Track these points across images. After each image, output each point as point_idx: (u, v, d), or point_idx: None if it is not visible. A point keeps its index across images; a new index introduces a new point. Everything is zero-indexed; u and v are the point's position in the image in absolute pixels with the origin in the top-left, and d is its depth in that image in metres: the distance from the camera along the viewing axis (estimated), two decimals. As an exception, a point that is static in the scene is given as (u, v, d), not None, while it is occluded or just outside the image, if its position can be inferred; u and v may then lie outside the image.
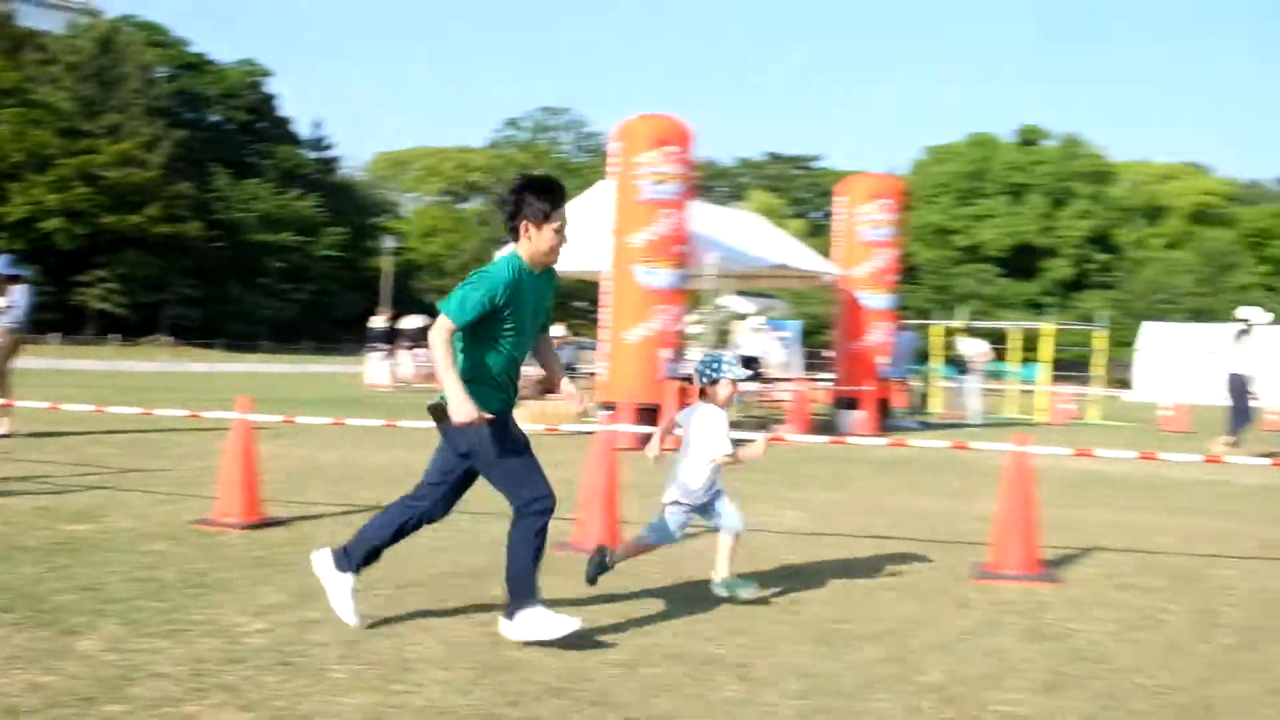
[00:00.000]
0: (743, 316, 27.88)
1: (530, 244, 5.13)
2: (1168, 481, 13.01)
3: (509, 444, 5.13)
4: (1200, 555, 8.15)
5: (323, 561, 5.34)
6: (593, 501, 7.51)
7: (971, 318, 30.31)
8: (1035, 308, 60.13)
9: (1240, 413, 15.59)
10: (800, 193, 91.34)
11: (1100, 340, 29.83)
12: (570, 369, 19.71)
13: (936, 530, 8.90)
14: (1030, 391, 28.32)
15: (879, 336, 19.74)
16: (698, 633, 5.46)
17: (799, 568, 7.20)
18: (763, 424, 18.10)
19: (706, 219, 18.02)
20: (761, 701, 4.46)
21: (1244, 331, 15.50)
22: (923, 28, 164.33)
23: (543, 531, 5.13)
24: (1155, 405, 26.44)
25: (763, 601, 6.14)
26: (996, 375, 28.75)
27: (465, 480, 5.31)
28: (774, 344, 26.68)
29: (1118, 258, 72.63)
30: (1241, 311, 15.76)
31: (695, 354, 14.65)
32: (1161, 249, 73.64)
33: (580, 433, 11.05)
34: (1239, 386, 15.63)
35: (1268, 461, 8.24)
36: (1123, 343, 53.23)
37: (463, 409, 4.91)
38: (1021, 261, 71.49)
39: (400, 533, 5.33)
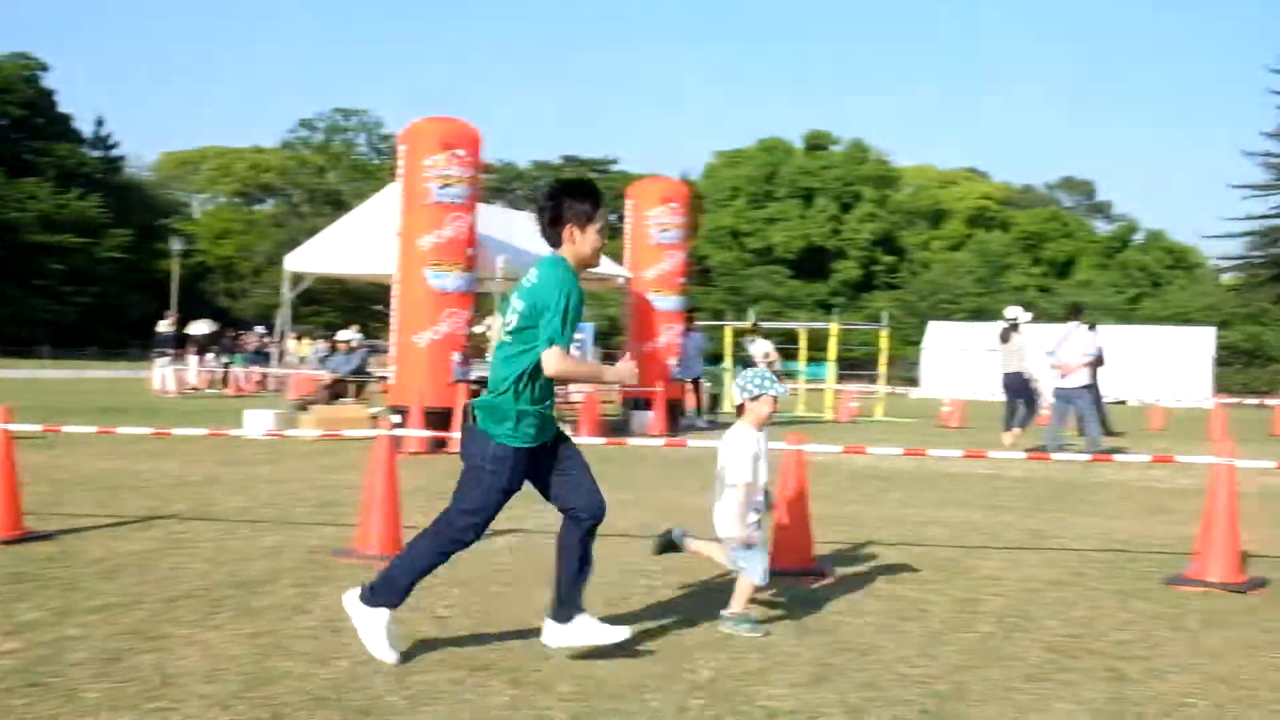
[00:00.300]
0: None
1: (575, 246, 5.08)
2: (943, 476, 13.49)
3: (504, 478, 4.99)
4: (968, 547, 8.48)
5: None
6: (372, 507, 7.40)
7: (760, 318, 30.81)
8: (826, 308, 61.66)
9: (1027, 407, 16.28)
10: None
11: (884, 339, 30.76)
12: (362, 374, 19.43)
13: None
14: (818, 390, 29.02)
15: (669, 338, 19.98)
16: (476, 639, 5.45)
17: (581, 570, 7.22)
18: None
19: (496, 222, 17.99)
20: (533, 705, 4.47)
21: (1010, 329, 16.20)
22: (718, 31, 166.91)
23: (449, 554, 5.12)
24: (939, 402, 27.40)
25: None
26: (787, 374, 29.33)
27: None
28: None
29: (903, 259, 75.20)
30: (1008, 311, 16.48)
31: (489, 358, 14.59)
32: (943, 251, 76.54)
33: (369, 437, 10.89)
34: (1015, 384, 16.32)
35: (1023, 455, 8.61)
36: (910, 341, 55.18)
37: (628, 372, 5.17)
38: (812, 263, 73.35)
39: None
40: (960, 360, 43.23)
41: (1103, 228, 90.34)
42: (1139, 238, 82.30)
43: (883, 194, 76.52)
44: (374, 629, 4.99)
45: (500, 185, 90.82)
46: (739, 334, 28.23)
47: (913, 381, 48.59)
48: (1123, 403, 35.45)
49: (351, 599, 5.09)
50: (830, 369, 28.79)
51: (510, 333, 5.05)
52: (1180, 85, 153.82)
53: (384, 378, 17.35)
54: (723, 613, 5.83)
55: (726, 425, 19.35)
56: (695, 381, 21.91)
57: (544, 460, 5.14)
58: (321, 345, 21.77)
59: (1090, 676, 5.09)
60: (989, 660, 5.32)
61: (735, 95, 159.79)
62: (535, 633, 5.42)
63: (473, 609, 6.07)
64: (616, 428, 18.50)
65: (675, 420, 19.63)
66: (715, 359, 29.04)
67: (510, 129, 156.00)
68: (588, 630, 5.11)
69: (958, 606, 6.44)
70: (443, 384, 15.00)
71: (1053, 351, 15.43)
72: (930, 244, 78.94)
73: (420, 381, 15.01)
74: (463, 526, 5.04)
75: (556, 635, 5.13)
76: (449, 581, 6.64)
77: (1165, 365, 44.94)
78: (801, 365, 30.96)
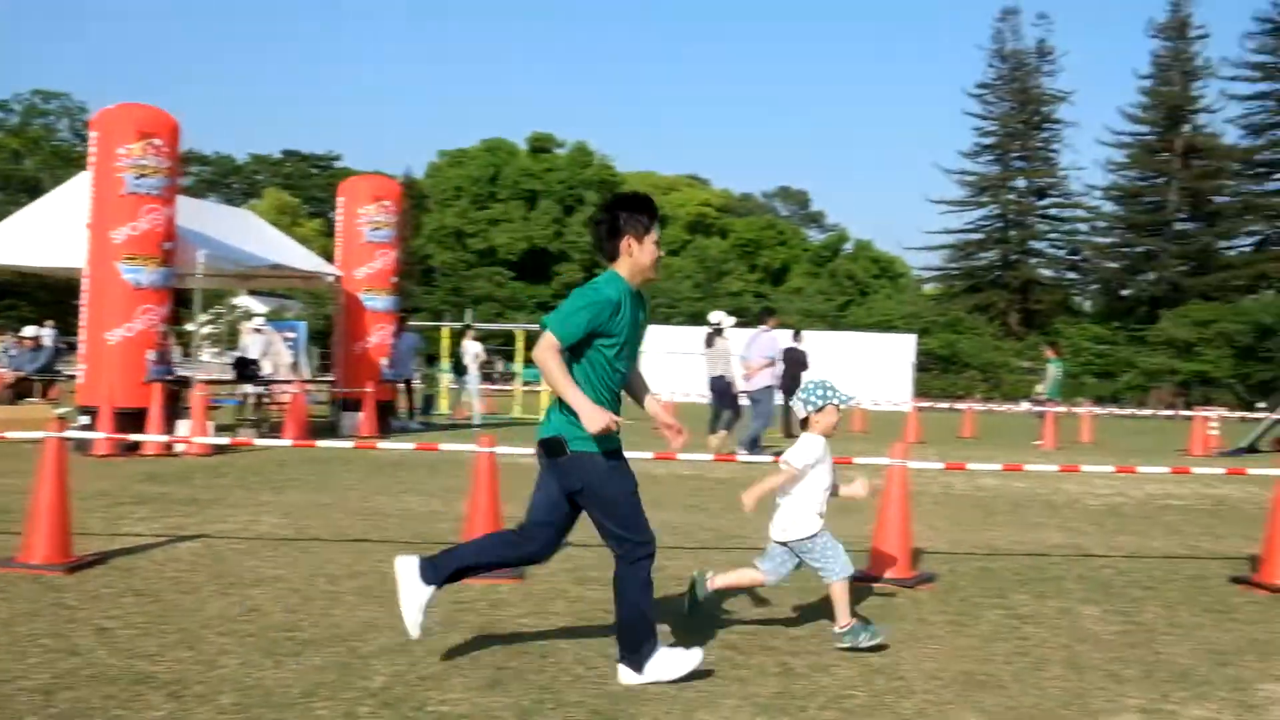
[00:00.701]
0: (251, 316, 27.09)
1: (632, 259, 5.05)
2: (645, 477, 13.64)
3: (622, 481, 4.97)
4: (661, 548, 8.57)
5: (407, 567, 5.03)
6: (40, 515, 6.98)
7: (482, 319, 30.72)
8: (549, 310, 61.91)
9: (731, 410, 16.68)
10: (319, 192, 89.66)
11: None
12: (49, 372, 18.40)
13: (415, 532, 8.94)
14: (535, 392, 29.10)
15: (380, 338, 19.67)
16: (138, 650, 5.19)
17: (267, 576, 7.01)
18: (257, 426, 17.61)
19: (198, 215, 17.32)
20: (191, 718, 4.29)
21: (715, 334, 16.58)
22: (441, 30, 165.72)
23: (650, 574, 5.04)
24: (654, 404, 27.81)
25: (250, 614, 5.92)
26: (506, 376, 29.35)
27: (572, 518, 5.11)
28: (281, 345, 26.07)
29: (624, 264, 76.19)
30: (712, 316, 16.85)
31: (206, 355, 14.02)
32: (664, 256, 77.91)
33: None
34: (720, 387, 16.70)
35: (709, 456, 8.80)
36: (630, 344, 55.86)
37: (595, 418, 4.75)
38: (535, 265, 73.57)
39: (496, 566, 5.21)
40: (678, 364, 44.11)
41: (815, 237, 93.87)
42: (849, 247, 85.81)
43: (606, 198, 77.39)
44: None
45: (216, 178, 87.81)
46: (457, 335, 28.06)
47: (632, 384, 49.24)
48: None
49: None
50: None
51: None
52: (888, 103, 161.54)
53: (72, 376, 16.48)
54: (835, 630, 5.65)
55: (441, 428, 19.06)
56: (408, 383, 21.65)
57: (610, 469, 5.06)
58: (9, 341, 20.57)
59: (761, 672, 5.22)
60: (667, 659, 5.39)
61: (460, 95, 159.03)
62: (207, 643, 5.20)
63: (139, 619, 5.79)
64: (325, 429, 18.08)
65: (386, 422, 19.33)
66: (432, 360, 28.78)
67: (227, 121, 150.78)
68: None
69: (643, 606, 6.51)
70: (136, 383, 14.34)
71: (744, 355, 16.10)
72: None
73: (111, 380, 14.31)
74: (644, 554, 5.02)
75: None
76: (121, 590, 6.34)
77: (870, 370, 46.99)
78: (519, 367, 31.01)
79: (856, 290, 73.44)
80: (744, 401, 16.72)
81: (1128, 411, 42.75)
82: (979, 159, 76.15)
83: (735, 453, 14.55)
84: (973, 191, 75.47)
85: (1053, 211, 76.31)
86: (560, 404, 4.91)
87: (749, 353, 16.06)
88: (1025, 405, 32.66)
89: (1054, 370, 24.08)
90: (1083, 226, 75.25)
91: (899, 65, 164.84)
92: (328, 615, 6.03)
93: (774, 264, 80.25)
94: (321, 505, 10.24)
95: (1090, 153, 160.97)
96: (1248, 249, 69.99)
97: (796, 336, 23.71)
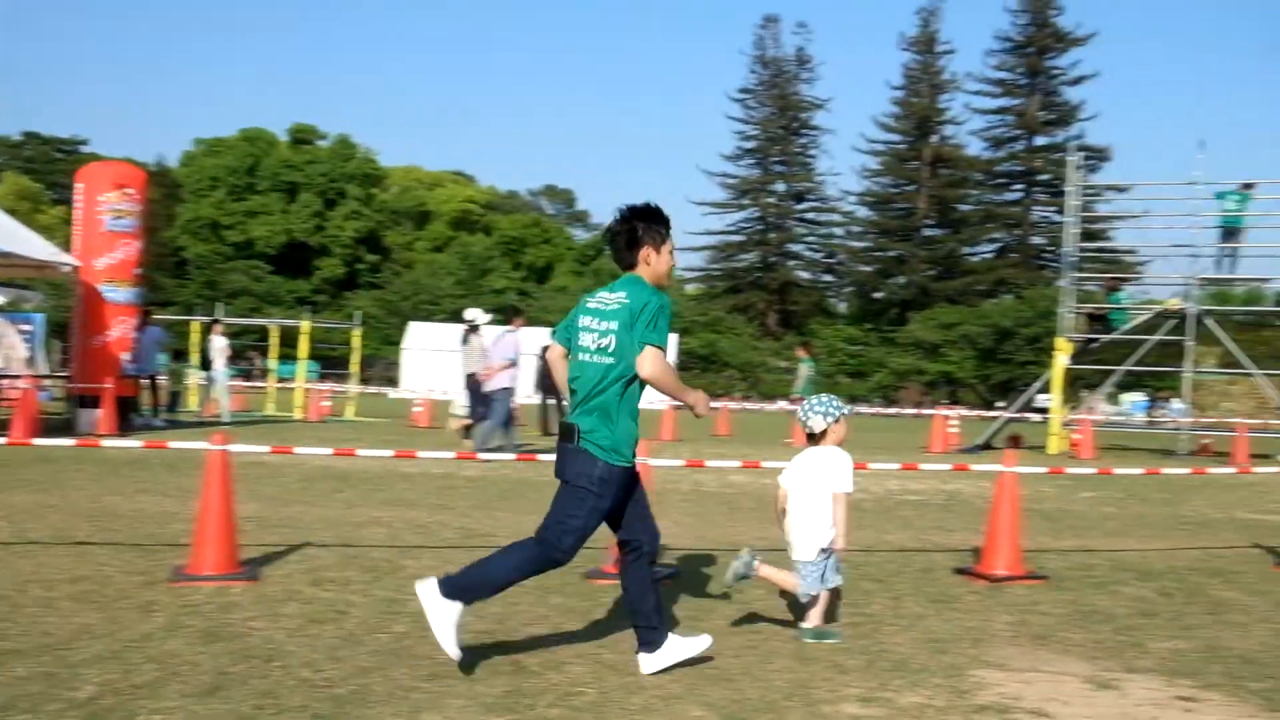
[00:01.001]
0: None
1: (651, 268, 5.22)
2: (399, 476, 13.47)
3: (602, 500, 5.06)
4: (404, 547, 8.47)
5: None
6: None
7: (237, 314, 29.82)
8: (308, 305, 60.59)
9: (485, 407, 16.53)
10: (64, 179, 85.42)
11: (356, 338, 30.57)
12: None
13: (144, 533, 8.58)
14: (289, 389, 28.41)
15: (122, 331, 18.82)
16: None
17: (-26, 582, 6.61)
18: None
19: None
20: None
21: (470, 331, 16.46)
22: (193, 18, 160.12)
23: (542, 570, 5.19)
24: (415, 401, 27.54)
25: None
26: (263, 372, 28.56)
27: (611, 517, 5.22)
28: (14, 338, 24.78)
29: (386, 259, 75.21)
30: (467, 313, 16.73)
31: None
32: (427, 252, 77.27)
33: None
34: (475, 385, 16.56)
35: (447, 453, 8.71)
36: (391, 341, 55.27)
37: (703, 401, 5.32)
38: (294, 259, 71.87)
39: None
40: (439, 360, 43.73)
41: (580, 236, 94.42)
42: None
43: (368, 192, 76.18)
44: (444, 622, 5.01)
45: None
46: (206, 330, 27.17)
47: (393, 381, 48.72)
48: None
49: (427, 588, 5.05)
50: (301, 367, 28.24)
51: (607, 352, 5.08)
52: (654, 105, 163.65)
53: None
54: (802, 625, 6.04)
55: (187, 425, 18.41)
56: (153, 378, 20.82)
57: (629, 485, 5.21)
58: None
59: (494, 671, 5.17)
60: (398, 661, 5.29)
61: (218, 81, 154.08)
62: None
63: None
64: (59, 427, 17.22)
65: (127, 418, 18.52)
66: (179, 355, 27.77)
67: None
68: (679, 648, 5.26)
69: (379, 607, 6.39)
70: None
71: (485, 355, 15.96)
72: (414, 244, 79.46)
73: None
74: (564, 547, 5.06)
75: (652, 663, 5.21)
76: None
77: (633, 369, 47.44)
78: (273, 363, 30.23)
79: (621, 289, 74.00)
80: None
81: (875, 410, 44.39)
82: (740, 162, 78.03)
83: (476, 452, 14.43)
84: (734, 194, 77.25)
85: (810, 215, 78.79)
86: (609, 416, 5.09)
87: (491, 353, 15.88)
88: (781, 404, 33.53)
89: (806, 369, 24.73)
90: (838, 231, 78.00)
91: (664, 67, 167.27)
92: (38, 623, 5.72)
93: (538, 262, 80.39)
94: (47, 507, 9.73)
95: (846, 159, 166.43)
96: (990, 255, 73.71)
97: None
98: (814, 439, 6.10)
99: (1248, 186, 23.17)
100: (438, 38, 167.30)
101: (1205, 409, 33.20)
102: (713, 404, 32.03)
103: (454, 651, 5.03)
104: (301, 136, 77.33)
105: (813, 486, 5.99)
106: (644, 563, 5.24)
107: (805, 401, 6.23)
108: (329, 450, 8.34)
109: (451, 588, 5.05)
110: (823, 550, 5.96)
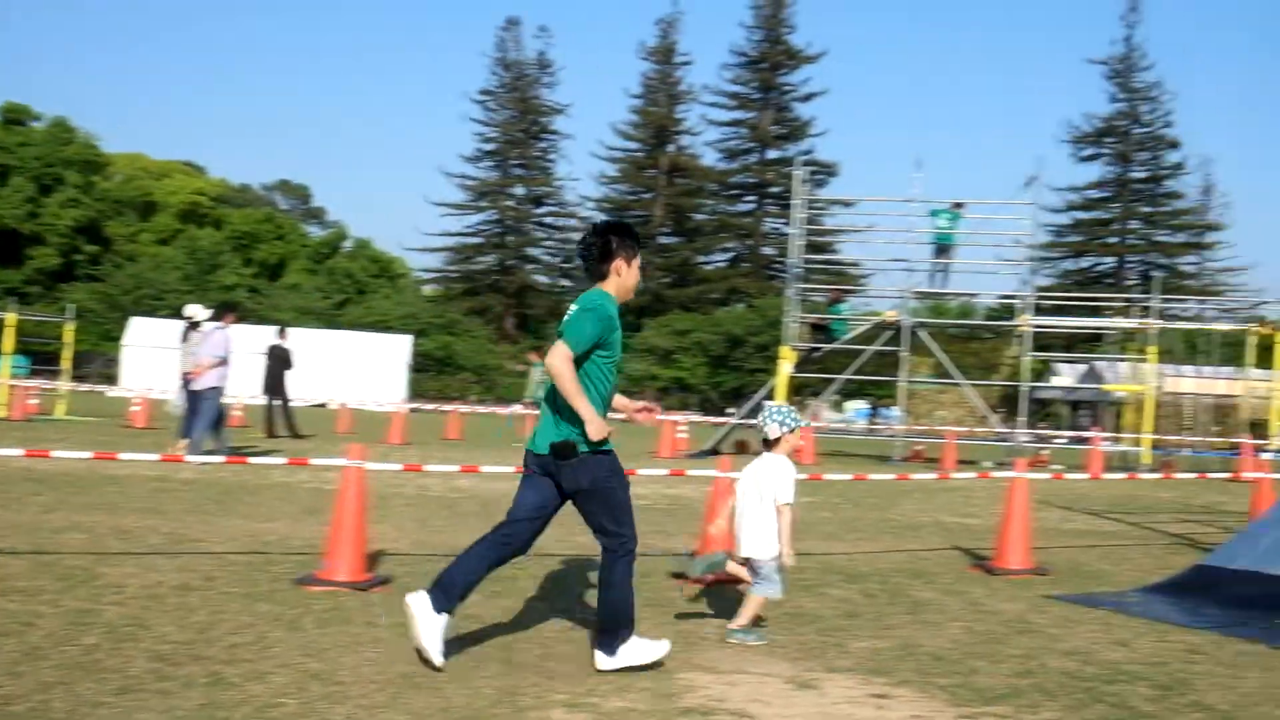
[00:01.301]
0: None
1: (621, 280, 5.52)
2: (108, 478, 12.84)
3: (623, 480, 5.47)
4: (103, 553, 8.06)
5: (420, 603, 5.29)
6: None
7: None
8: (20, 297, 57.29)
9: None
10: None
11: (69, 333, 29.11)
12: None
13: None
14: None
15: None
16: None
17: None
18: None
19: None
20: None
21: (190, 328, 15.81)
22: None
23: (632, 568, 5.52)
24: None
25: None
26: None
27: (552, 515, 5.53)
28: None
29: (107, 250, 71.77)
30: (187, 309, 16.09)
31: None
32: (152, 245, 74.13)
33: None
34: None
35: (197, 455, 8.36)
36: (111, 337, 52.82)
37: (600, 427, 5.27)
38: (5, 248, 67.86)
39: (491, 569, 5.45)
40: (161, 358, 42.03)
41: (315, 233, 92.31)
42: (348, 245, 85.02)
43: (89, 179, 72.58)
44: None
45: None
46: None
47: (112, 379, 46.60)
48: (323, 405, 36.40)
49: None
50: (4, 362, 26.64)
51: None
52: (394, 102, 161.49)
53: None
54: (730, 626, 6.30)
55: None
56: None
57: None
58: None
59: (189, 684, 4.95)
60: (86, 674, 5.01)
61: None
62: None
63: None
64: None
65: None
66: None
67: None
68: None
69: (69, 618, 6.04)
70: None
71: (193, 352, 14.99)
72: (139, 236, 76.13)
73: None
74: (630, 535, 5.45)
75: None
76: None
77: (365, 370, 46.83)
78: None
79: (355, 289, 72.85)
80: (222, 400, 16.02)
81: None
82: (480, 164, 77.92)
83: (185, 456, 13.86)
84: (473, 196, 77.05)
85: (549, 220, 79.18)
86: (564, 411, 5.32)
87: (200, 350, 14.91)
88: (516, 408, 33.55)
89: (538, 374, 24.81)
90: (576, 235, 78.50)
91: (404, 64, 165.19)
92: None
93: (271, 259, 78.23)
94: None
95: (585, 165, 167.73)
96: (723, 264, 75.63)
97: (281, 333, 23.13)
98: (769, 445, 6.35)
99: (958, 205, 24.48)
100: (166, 18, 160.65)
101: (919, 417, 34.94)
102: (444, 407, 31.78)
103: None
104: (14, 116, 72.98)
105: (759, 493, 6.28)
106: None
107: (764, 409, 6.49)
108: (21, 451, 7.85)
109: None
110: (773, 557, 6.25)
